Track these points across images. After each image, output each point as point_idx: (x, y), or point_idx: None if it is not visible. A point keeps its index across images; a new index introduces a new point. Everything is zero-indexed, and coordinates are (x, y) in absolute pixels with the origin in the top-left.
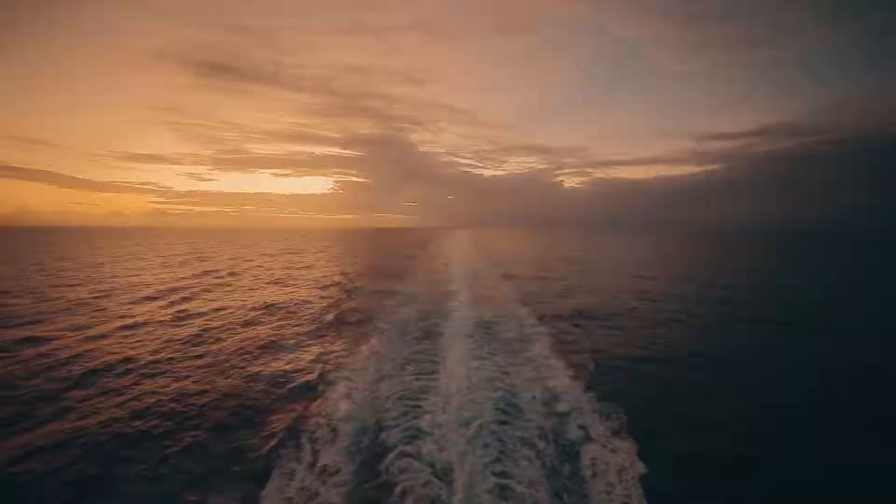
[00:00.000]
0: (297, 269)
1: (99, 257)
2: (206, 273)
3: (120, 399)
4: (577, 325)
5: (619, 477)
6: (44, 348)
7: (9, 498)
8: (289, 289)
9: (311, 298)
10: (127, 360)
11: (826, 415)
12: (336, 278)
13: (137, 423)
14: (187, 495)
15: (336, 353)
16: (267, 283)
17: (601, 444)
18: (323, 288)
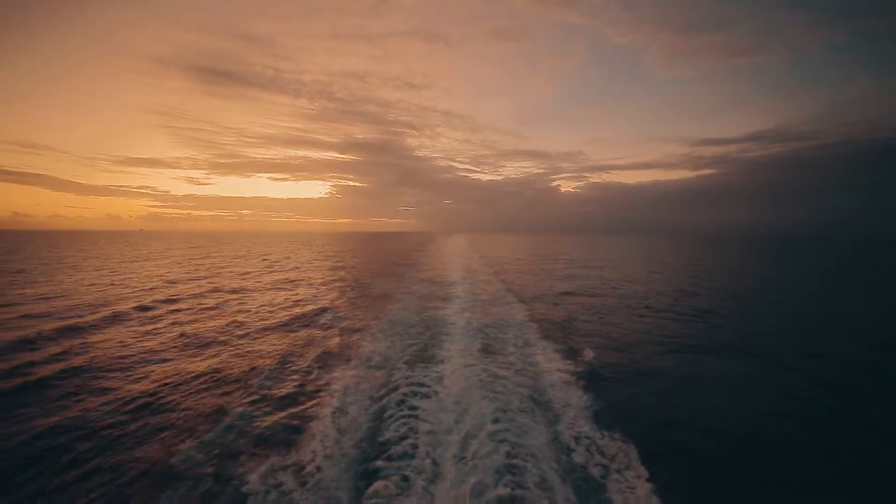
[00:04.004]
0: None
1: (152, 259)
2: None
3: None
4: (556, 304)
5: (565, 389)
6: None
7: None
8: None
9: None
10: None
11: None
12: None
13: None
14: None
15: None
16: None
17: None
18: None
